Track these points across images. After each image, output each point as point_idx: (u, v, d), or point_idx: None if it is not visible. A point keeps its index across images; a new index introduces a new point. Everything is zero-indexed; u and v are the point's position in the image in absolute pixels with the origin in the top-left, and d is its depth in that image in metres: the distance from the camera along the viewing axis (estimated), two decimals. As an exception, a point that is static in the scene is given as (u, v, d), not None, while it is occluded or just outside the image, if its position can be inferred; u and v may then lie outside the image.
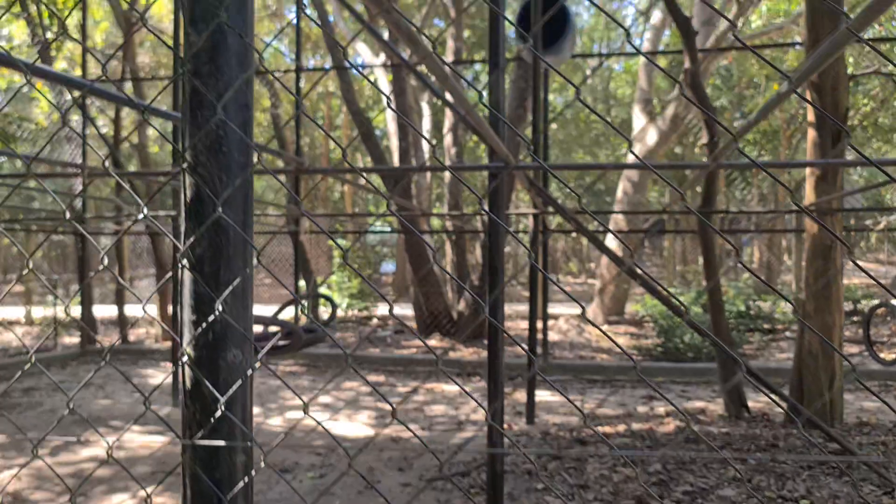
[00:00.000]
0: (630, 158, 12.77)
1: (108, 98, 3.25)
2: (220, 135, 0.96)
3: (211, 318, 0.94)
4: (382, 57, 12.70)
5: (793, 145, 19.92)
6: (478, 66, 20.04)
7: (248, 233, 0.98)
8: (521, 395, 7.46)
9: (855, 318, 12.47)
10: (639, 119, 12.83)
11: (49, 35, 9.95)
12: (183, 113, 0.97)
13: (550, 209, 6.96)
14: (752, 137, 19.81)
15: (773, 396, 5.84)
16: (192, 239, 0.95)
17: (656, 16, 13.26)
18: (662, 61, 15.99)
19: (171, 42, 11.63)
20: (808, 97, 5.85)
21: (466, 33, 16.55)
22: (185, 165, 0.96)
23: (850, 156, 11.43)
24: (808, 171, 5.97)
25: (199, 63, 0.96)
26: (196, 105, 0.96)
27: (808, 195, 5.95)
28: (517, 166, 3.62)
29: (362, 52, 13.40)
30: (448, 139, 12.20)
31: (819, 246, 5.93)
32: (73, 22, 11.81)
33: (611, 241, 12.34)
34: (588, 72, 22.29)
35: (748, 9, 12.93)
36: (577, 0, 21.97)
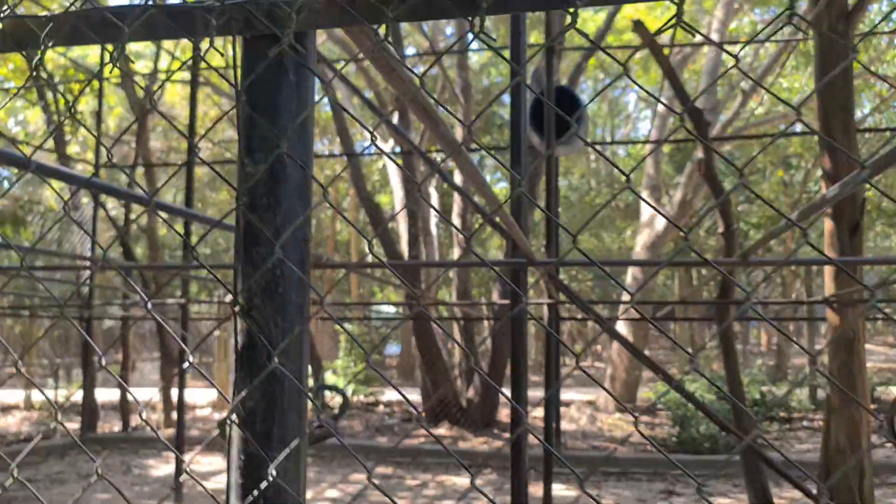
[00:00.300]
0: (639, 244, 12.74)
1: (137, 202, 3.18)
2: (277, 274, 0.87)
3: (263, 484, 0.83)
4: (391, 142, 12.85)
5: (797, 229, 19.88)
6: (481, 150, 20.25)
7: (304, 381, 0.88)
8: (534, 489, 7.19)
9: (872, 406, 12.19)
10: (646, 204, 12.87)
11: (64, 120, 10.07)
12: (237, 250, 0.89)
13: (563, 297, 6.86)
14: (756, 222, 19.88)
15: None
16: (244, 392, 0.85)
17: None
18: (667, 148, 16.17)
19: (182, 127, 11.78)
20: (824, 188, 5.82)
21: (473, 118, 16.79)
22: (237, 308, 0.87)
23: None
24: (827, 275, 5.91)
25: (256, 195, 0.89)
26: (251, 242, 0.88)
27: (828, 286, 5.87)
28: (541, 262, 3.55)
29: (370, 136, 13.56)
30: (456, 224, 12.21)
31: (841, 337, 5.80)
32: (88, 108, 12.00)
33: (621, 327, 12.19)
34: (592, 156, 22.55)
35: (751, 96, 13.15)
36: (578, 85, 22.39)
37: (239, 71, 0.96)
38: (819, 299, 6.30)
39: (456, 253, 13.74)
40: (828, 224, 5.95)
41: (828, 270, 5.91)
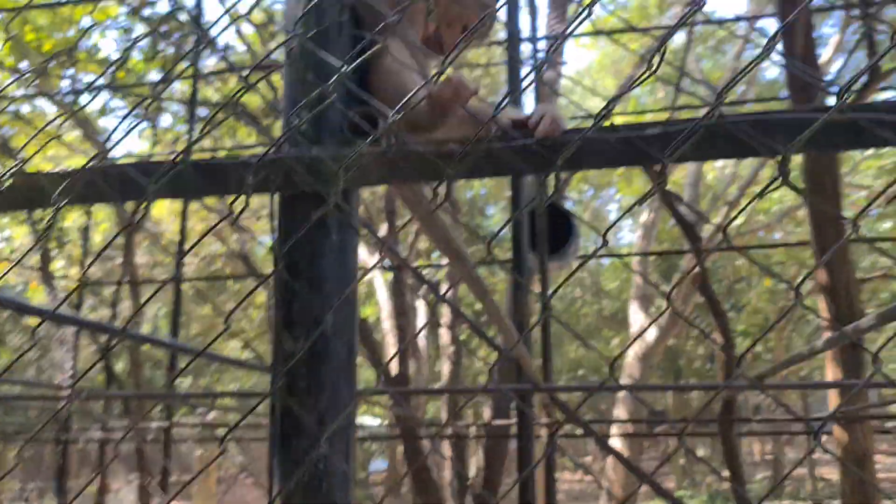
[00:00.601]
0: (630, 356, 12.60)
1: (147, 342, 3.05)
2: (320, 469, 0.74)
3: None
4: (377, 255, 12.81)
5: (785, 336, 19.92)
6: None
7: None
8: None
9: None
10: (636, 315, 12.80)
11: (52, 236, 9.98)
12: (272, 441, 0.76)
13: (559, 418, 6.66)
14: (743, 329, 19.82)
15: None
16: None
17: (647, 214, 13.62)
18: (652, 257, 16.26)
19: (168, 241, 11.74)
20: (822, 305, 5.77)
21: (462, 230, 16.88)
22: (274, 514, 0.74)
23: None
24: (830, 377, 5.78)
25: (297, 377, 0.77)
26: (290, 431, 0.76)
27: (832, 402, 5.73)
28: (549, 388, 3.42)
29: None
30: (445, 336, 12.06)
31: (852, 455, 5.61)
32: (74, 224, 11.95)
33: (616, 442, 11.87)
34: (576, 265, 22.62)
35: (735, 207, 13.33)
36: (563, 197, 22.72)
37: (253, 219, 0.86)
38: (824, 416, 6.13)
39: (444, 365, 13.52)
40: (828, 336, 5.86)
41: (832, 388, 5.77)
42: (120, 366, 15.96)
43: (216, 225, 0.89)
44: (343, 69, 0.82)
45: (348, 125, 0.86)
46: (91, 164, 0.84)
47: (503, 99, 0.80)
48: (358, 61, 0.84)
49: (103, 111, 9.26)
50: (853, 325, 2.04)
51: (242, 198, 0.80)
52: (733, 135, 0.72)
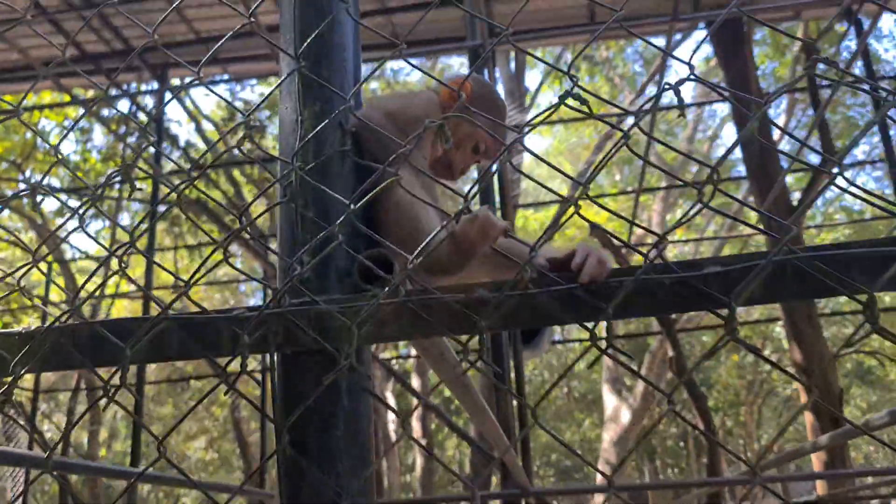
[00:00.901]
0: (606, 441, 12.41)
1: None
2: None
3: None
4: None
5: (754, 411, 19.91)
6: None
7: None
8: None
9: None
10: (609, 398, 12.66)
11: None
12: None
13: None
14: (713, 405, 19.77)
15: None
16: None
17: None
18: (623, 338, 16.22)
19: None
20: (800, 389, 5.76)
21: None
22: None
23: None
24: (815, 460, 5.71)
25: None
26: None
27: (819, 487, 5.66)
28: (537, 491, 3.25)
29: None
30: (417, 428, 11.77)
31: (843, 540, 5.47)
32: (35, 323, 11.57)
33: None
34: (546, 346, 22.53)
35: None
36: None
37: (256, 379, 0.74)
38: (813, 499, 6.04)
39: (418, 457, 13.18)
40: (808, 418, 5.80)
41: (817, 468, 5.69)
42: (74, 477, 15.23)
43: (208, 394, 0.76)
44: (351, 208, 0.71)
45: (358, 269, 0.75)
46: (57, 322, 0.72)
47: (540, 238, 0.70)
48: (367, 198, 0.73)
49: (60, 213, 9.10)
50: (863, 421, 1.96)
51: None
52: (805, 271, 0.63)
